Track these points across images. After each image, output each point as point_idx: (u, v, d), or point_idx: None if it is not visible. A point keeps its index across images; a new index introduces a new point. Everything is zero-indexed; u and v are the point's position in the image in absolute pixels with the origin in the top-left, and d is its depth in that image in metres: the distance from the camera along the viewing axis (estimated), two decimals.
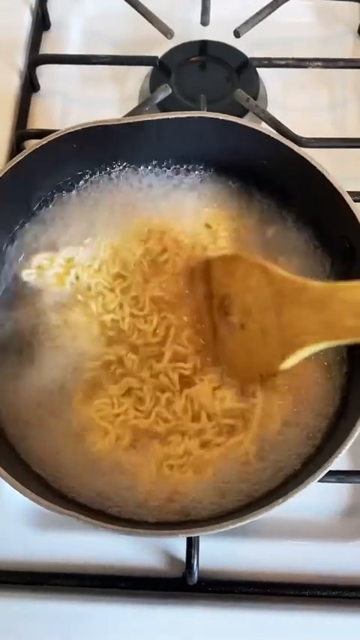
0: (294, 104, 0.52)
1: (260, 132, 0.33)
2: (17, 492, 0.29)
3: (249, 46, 0.52)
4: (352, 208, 0.31)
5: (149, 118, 0.33)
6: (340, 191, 0.31)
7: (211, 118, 0.33)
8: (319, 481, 0.34)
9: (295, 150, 0.32)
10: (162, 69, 0.50)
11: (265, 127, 0.45)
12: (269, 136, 0.33)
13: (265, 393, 0.34)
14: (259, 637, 0.35)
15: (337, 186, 0.32)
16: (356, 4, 0.53)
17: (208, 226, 0.38)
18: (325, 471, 0.28)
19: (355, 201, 0.41)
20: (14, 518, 0.37)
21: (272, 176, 0.36)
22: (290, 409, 0.34)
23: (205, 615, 0.36)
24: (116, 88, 0.53)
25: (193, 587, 0.36)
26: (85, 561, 0.36)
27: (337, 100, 0.52)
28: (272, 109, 0.50)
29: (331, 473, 0.36)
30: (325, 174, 0.32)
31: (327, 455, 0.28)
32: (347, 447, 0.28)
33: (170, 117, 0.33)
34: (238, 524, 0.28)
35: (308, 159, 0.32)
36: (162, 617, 0.35)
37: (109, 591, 0.36)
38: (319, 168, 0.32)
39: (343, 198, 0.31)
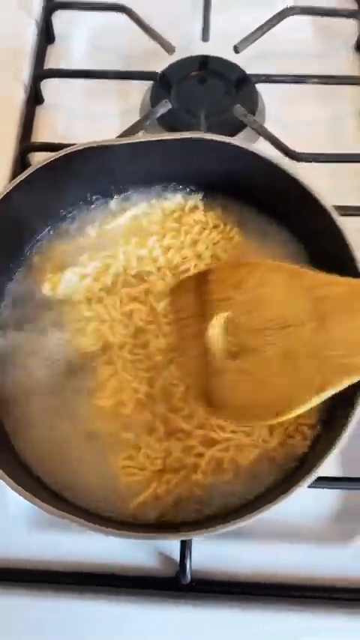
0: (292, 118, 0.53)
1: (250, 151, 0.34)
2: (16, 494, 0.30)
3: (248, 60, 0.53)
4: (339, 224, 0.32)
5: (144, 140, 0.34)
6: (327, 208, 0.32)
7: (206, 139, 0.35)
8: (310, 487, 0.36)
9: (279, 165, 0.33)
10: (163, 83, 0.52)
11: (258, 145, 0.47)
12: (259, 155, 0.34)
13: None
14: (249, 636, 0.36)
15: (323, 201, 0.33)
16: (353, 20, 0.54)
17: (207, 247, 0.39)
18: (300, 488, 0.29)
19: (346, 215, 0.43)
20: (11, 518, 0.38)
21: (267, 194, 0.37)
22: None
23: (197, 614, 0.37)
24: (119, 100, 0.54)
25: (185, 587, 0.37)
26: (80, 560, 0.38)
27: (335, 114, 0.53)
28: (270, 123, 0.52)
29: (322, 479, 0.37)
30: (311, 190, 0.33)
31: (309, 467, 0.29)
32: (331, 456, 0.29)
33: (166, 138, 0.34)
34: (221, 531, 0.29)
35: (292, 174, 0.33)
36: (155, 615, 0.37)
37: (104, 589, 0.37)
38: (304, 184, 0.33)
39: (330, 215, 0.32)
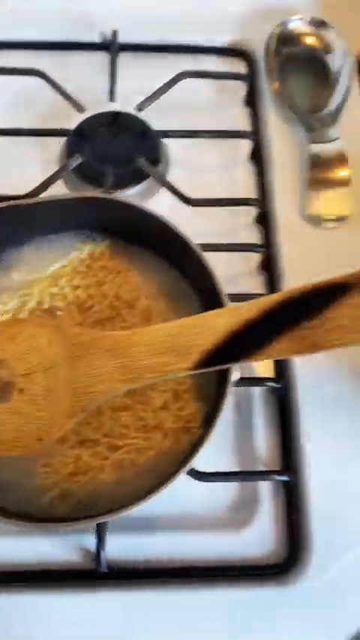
0: (194, 166, 0.60)
1: (133, 205, 0.41)
2: None
3: (154, 115, 0.60)
4: (206, 263, 0.39)
5: (45, 200, 0.41)
6: (195, 250, 0.40)
7: (99, 198, 0.42)
8: (207, 481, 0.43)
9: (158, 217, 0.40)
10: (77, 137, 0.59)
11: (162, 192, 0.55)
12: (141, 208, 0.41)
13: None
14: (159, 612, 0.43)
15: (192, 245, 0.40)
16: (241, 82, 0.63)
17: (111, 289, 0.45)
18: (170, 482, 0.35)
19: (227, 250, 0.51)
20: None
21: (159, 241, 0.44)
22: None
23: (115, 598, 0.43)
24: (41, 153, 0.61)
25: (103, 576, 0.43)
26: (6, 561, 0.44)
27: (229, 161, 0.61)
28: (175, 171, 0.60)
29: (218, 474, 0.45)
30: (183, 236, 0.40)
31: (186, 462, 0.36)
32: (200, 454, 0.36)
33: (64, 197, 0.41)
34: (113, 517, 0.36)
35: (168, 223, 0.40)
36: (77, 602, 0.42)
37: (31, 585, 0.43)
38: (178, 232, 0.40)
39: (199, 256, 0.39)
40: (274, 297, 0.30)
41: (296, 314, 0.28)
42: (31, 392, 0.34)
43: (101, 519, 0.35)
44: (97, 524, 0.42)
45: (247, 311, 0.30)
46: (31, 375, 0.34)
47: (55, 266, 0.46)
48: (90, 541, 0.43)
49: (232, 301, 0.39)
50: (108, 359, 0.32)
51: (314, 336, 0.28)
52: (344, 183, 0.56)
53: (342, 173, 0.56)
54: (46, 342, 0.34)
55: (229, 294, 0.44)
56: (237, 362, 0.30)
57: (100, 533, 0.42)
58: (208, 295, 0.41)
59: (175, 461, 0.39)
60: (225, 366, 0.30)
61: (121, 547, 0.44)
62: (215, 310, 0.32)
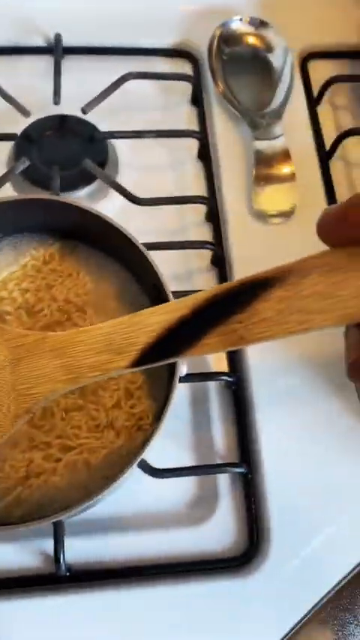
0: (143, 166, 0.61)
1: (76, 206, 0.41)
2: None
3: (100, 117, 0.61)
4: (149, 258, 0.39)
5: None
6: (140, 248, 0.40)
7: (45, 199, 0.42)
8: (164, 477, 0.44)
9: (102, 216, 0.41)
10: (24, 141, 0.59)
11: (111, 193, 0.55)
12: (83, 208, 0.41)
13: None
14: (121, 612, 0.43)
15: (137, 244, 0.40)
16: (187, 82, 0.64)
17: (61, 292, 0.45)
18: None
19: (178, 248, 0.52)
20: None
21: (107, 241, 0.43)
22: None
23: (76, 601, 0.43)
24: None
25: (63, 579, 0.43)
26: None
27: (178, 161, 0.62)
28: (123, 171, 0.60)
29: (175, 470, 0.45)
30: (127, 233, 0.40)
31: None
32: (147, 449, 0.37)
33: (7, 200, 0.41)
34: (65, 516, 0.36)
35: (112, 222, 0.40)
36: (39, 605, 0.42)
37: None
38: (121, 229, 0.40)
39: (144, 254, 0.40)
40: (203, 295, 0.30)
41: (224, 309, 0.29)
42: None
43: (56, 518, 0.35)
44: (54, 528, 0.43)
45: (179, 308, 0.30)
46: None
47: (7, 271, 0.46)
48: (49, 545, 0.43)
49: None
50: (50, 359, 0.32)
51: (242, 330, 0.29)
52: (288, 178, 0.57)
53: (285, 169, 0.57)
54: None
55: (182, 291, 0.44)
56: (173, 358, 0.30)
57: (58, 536, 0.42)
58: (156, 293, 0.41)
59: (129, 459, 0.39)
60: (162, 363, 0.31)
61: (81, 550, 0.44)
62: (151, 308, 0.32)
